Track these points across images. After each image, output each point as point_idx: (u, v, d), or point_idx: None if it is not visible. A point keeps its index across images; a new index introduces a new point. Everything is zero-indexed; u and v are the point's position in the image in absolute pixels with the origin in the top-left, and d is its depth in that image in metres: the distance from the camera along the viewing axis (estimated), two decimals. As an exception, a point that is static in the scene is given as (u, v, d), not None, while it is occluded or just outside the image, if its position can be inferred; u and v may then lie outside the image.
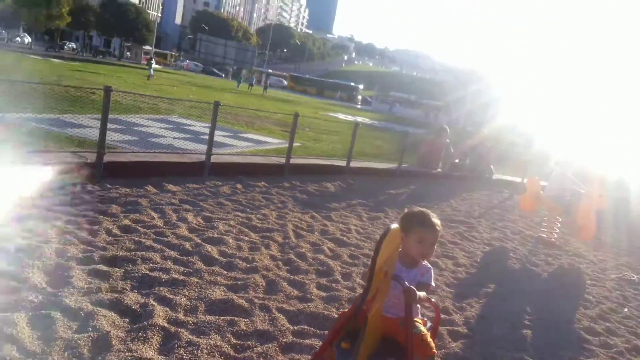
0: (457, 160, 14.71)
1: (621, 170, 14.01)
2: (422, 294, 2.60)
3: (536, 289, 6.10)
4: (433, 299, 3.24)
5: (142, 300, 3.69)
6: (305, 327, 3.84)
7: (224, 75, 76.43)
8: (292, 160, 9.38)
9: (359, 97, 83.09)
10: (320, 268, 5.11)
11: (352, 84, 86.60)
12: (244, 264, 4.78)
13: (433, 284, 2.81)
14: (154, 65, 37.46)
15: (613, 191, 10.45)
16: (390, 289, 2.62)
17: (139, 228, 5.10)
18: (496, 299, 5.41)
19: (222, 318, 3.69)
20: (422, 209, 2.78)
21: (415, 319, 2.76)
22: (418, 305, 2.89)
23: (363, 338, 2.40)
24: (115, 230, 4.93)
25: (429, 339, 2.66)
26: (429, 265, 2.83)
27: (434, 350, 2.65)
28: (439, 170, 13.89)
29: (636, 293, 6.91)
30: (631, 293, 6.86)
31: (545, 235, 8.87)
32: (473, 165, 14.76)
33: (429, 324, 3.05)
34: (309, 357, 3.32)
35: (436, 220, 2.70)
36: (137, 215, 5.47)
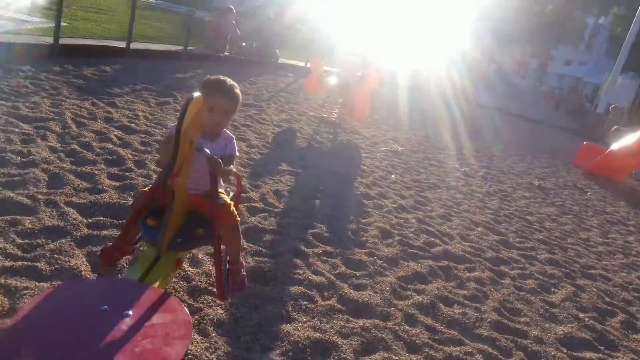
0: (244, 44, 14.58)
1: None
2: (229, 167, 2.60)
3: (321, 164, 6.68)
4: (237, 172, 3.33)
5: None
6: (101, 218, 3.65)
7: None
8: (62, 41, 8.22)
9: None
10: (110, 157, 4.80)
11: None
12: (19, 158, 4.23)
13: (237, 153, 2.83)
14: None
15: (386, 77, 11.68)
16: (194, 161, 2.56)
17: None
18: (287, 175, 5.80)
19: (1, 218, 3.29)
20: (220, 77, 2.69)
21: (220, 191, 2.80)
22: (223, 180, 2.94)
23: (170, 213, 2.37)
24: None
25: (233, 208, 2.75)
26: (231, 135, 2.82)
27: (237, 218, 2.76)
28: (227, 53, 13.64)
29: (400, 162, 8.06)
30: (396, 162, 7.98)
31: (326, 115, 9.60)
32: (260, 49, 14.81)
33: (231, 194, 3.14)
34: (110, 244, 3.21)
35: (233, 89, 2.64)
36: None
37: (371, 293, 3.67)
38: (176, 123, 2.17)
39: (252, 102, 9.26)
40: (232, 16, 13.55)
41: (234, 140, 2.82)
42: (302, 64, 16.08)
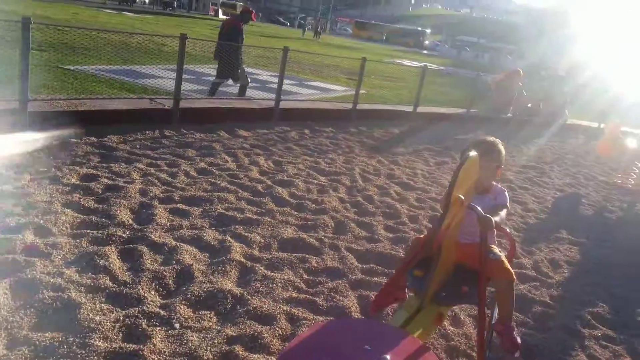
0: (529, 105, 14.08)
1: None
2: (499, 217, 2.54)
3: (610, 235, 5.91)
4: (508, 229, 3.25)
5: (220, 237, 3.93)
6: (374, 265, 3.97)
7: (288, 24, 75.72)
8: (359, 106, 9.35)
9: (426, 42, 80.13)
10: (387, 210, 5.19)
11: (419, 28, 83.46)
12: (313, 205, 4.94)
13: (509, 205, 2.79)
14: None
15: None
16: (465, 216, 2.61)
17: (214, 170, 5.35)
18: (567, 244, 5.31)
19: (294, 255, 3.88)
20: (485, 137, 2.76)
21: (492, 246, 2.77)
22: (494, 234, 2.91)
23: (437, 265, 2.45)
24: (193, 172, 5.21)
25: (508, 264, 2.69)
26: (502, 188, 2.81)
27: (513, 275, 2.67)
28: (510, 115, 13.37)
29: None
30: None
31: (620, 181, 8.48)
32: (546, 110, 14.07)
33: (504, 253, 3.06)
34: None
35: (495, 146, 2.72)
36: (212, 158, 5.73)
37: (664, 396, 3.05)
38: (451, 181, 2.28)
39: (533, 164, 8.83)
40: (518, 77, 13.31)
41: (506, 192, 2.80)
42: (594, 124, 14.62)
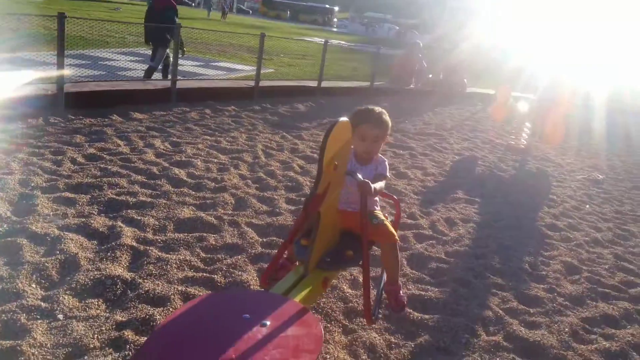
0: (430, 76, 14.60)
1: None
2: (378, 185, 2.61)
3: (502, 192, 6.27)
4: (396, 197, 3.33)
5: (110, 223, 3.73)
6: (274, 238, 3.95)
7: (193, 4, 73.22)
8: (262, 83, 9.23)
9: (335, 20, 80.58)
10: (290, 184, 5.18)
11: (327, 6, 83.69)
12: (213, 184, 4.83)
13: (388, 174, 2.84)
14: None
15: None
16: (345, 183, 2.64)
17: (105, 156, 5.07)
18: (463, 203, 5.57)
19: (191, 235, 3.77)
20: (370, 106, 2.76)
21: (376, 211, 2.83)
22: (377, 199, 2.96)
23: (317, 233, 2.46)
24: (80, 159, 4.91)
25: (391, 227, 2.74)
26: (383, 158, 2.85)
27: (396, 237, 2.74)
28: (412, 86, 13.79)
29: (599, 191, 7.16)
30: (595, 192, 7.11)
31: (513, 142, 9.03)
32: (446, 80, 14.66)
33: (390, 218, 3.14)
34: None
35: (381, 116, 2.70)
36: (103, 143, 5.42)
37: (545, 333, 3.29)
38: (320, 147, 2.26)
39: (434, 131, 9.17)
40: (418, 50, 13.72)
41: (386, 162, 2.84)
42: (492, 92, 15.44)
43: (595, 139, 11.25)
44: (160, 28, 8.46)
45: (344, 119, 2.39)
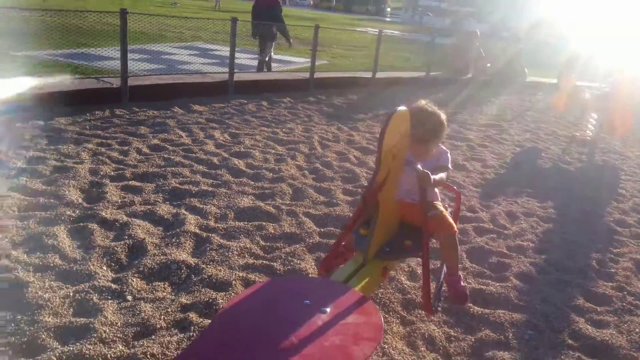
0: (488, 65, 14.18)
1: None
2: (438, 176, 2.56)
3: (567, 185, 6.04)
4: (455, 188, 3.27)
5: (174, 211, 3.86)
6: (332, 228, 3.97)
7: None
8: (317, 75, 9.25)
9: (388, 9, 79.60)
10: (346, 175, 5.18)
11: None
12: (271, 174, 4.90)
13: (450, 166, 2.79)
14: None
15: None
16: (404, 172, 2.61)
17: (168, 146, 5.24)
18: (525, 196, 5.41)
19: (251, 223, 3.85)
20: (422, 104, 2.69)
21: (435, 202, 2.79)
22: (437, 191, 2.92)
23: (376, 222, 2.45)
24: (145, 150, 5.09)
25: (449, 219, 2.70)
26: (445, 149, 2.80)
27: (455, 228, 2.70)
28: (470, 75, 13.45)
29: (674, 185, 6.76)
30: (669, 186, 6.72)
31: (579, 134, 8.66)
32: (506, 68, 14.20)
33: (450, 210, 3.08)
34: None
35: (431, 118, 2.62)
36: (166, 134, 5.60)
37: (614, 332, 3.15)
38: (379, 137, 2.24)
39: (493, 122, 8.92)
40: (475, 38, 13.36)
41: (448, 153, 2.78)
42: (554, 80, 14.84)
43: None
44: (268, 24, 9.59)
45: (402, 108, 2.35)
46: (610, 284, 3.78)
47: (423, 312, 3.04)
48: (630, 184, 6.56)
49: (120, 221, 3.59)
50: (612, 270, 3.99)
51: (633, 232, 4.86)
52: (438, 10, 72.85)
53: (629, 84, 8.19)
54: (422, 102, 2.71)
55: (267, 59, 10.04)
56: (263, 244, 3.61)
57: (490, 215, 4.73)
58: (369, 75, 10.47)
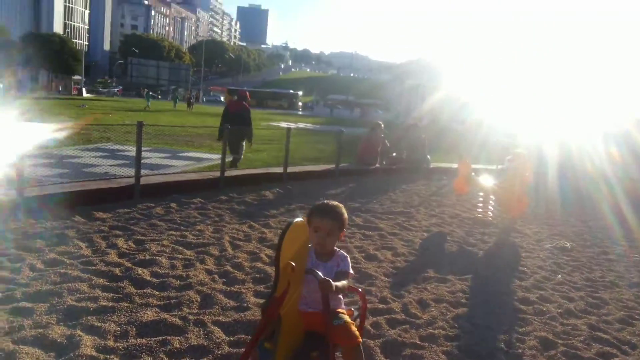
0: (394, 154, 14.99)
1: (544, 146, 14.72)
2: (340, 283, 2.60)
3: (472, 267, 6.28)
4: (361, 288, 3.29)
5: (69, 332, 3.56)
6: (242, 336, 3.81)
7: (159, 97, 74.84)
8: (227, 173, 9.30)
9: (300, 103, 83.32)
10: (258, 275, 5.09)
11: (291, 91, 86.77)
12: (178, 282, 4.71)
13: (351, 271, 2.83)
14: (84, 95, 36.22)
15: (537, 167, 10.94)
16: (305, 283, 2.63)
17: (65, 260, 4.93)
18: (434, 282, 5.55)
19: (154, 339, 3.62)
20: (325, 201, 2.81)
21: (339, 310, 2.79)
22: (340, 297, 2.93)
23: (279, 335, 2.40)
24: (40, 265, 4.75)
25: (353, 328, 2.69)
26: (345, 254, 2.86)
27: (359, 339, 2.68)
28: (377, 165, 14.10)
29: (568, 259, 7.24)
30: (564, 260, 7.18)
31: (481, 215, 9.18)
32: (410, 157, 15.06)
33: (356, 314, 3.09)
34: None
35: (333, 210, 2.73)
36: (64, 247, 5.28)
37: (526, 416, 3.18)
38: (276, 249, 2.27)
39: (402, 210, 9.27)
40: (380, 130, 14.18)
41: (348, 259, 2.85)
42: (455, 165, 15.89)
43: (556, 205, 11.54)
44: (241, 126, 11.07)
45: (298, 219, 2.43)
46: (519, 365, 3.87)
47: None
48: (530, 260, 6.95)
49: (6, 350, 3.25)
50: (520, 351, 4.11)
51: (536, 309, 5.08)
52: (346, 102, 77.31)
53: (525, 164, 8.90)
54: (325, 200, 2.84)
55: (240, 156, 11.42)
56: (167, 361, 3.38)
57: (402, 305, 4.78)
58: (280, 170, 10.67)
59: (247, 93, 13.23)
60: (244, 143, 11.57)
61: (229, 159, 10.10)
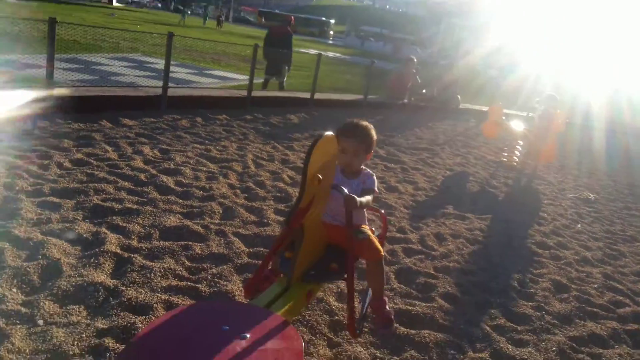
0: (424, 91, 14.66)
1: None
2: (364, 199, 2.58)
3: (493, 208, 6.26)
4: (382, 211, 3.29)
5: (94, 229, 3.67)
6: (261, 249, 3.89)
7: (189, 12, 73.30)
8: (255, 93, 9.20)
9: (331, 32, 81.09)
10: (279, 195, 5.13)
11: (323, 18, 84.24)
12: (201, 192, 4.77)
13: (376, 188, 2.81)
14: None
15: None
16: (331, 196, 2.61)
17: (92, 161, 5.01)
18: (453, 218, 5.55)
19: (176, 243, 3.71)
20: (354, 120, 2.75)
21: (362, 225, 2.80)
22: (364, 213, 2.93)
23: (300, 245, 2.42)
24: (67, 164, 4.84)
25: (377, 243, 2.72)
26: (370, 172, 2.83)
27: (382, 252, 2.71)
28: (406, 101, 13.84)
29: (590, 210, 7.17)
30: (585, 210, 7.11)
31: (506, 159, 9.05)
32: (440, 96, 14.73)
33: (376, 233, 3.10)
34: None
35: (360, 130, 2.67)
36: (90, 148, 5.36)
37: (533, 351, 3.25)
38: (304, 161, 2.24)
39: (426, 146, 9.17)
40: (412, 65, 13.79)
41: (374, 176, 2.81)
42: (485, 108, 15.53)
43: (590, 159, 11.30)
44: (283, 50, 11.03)
45: (329, 133, 2.38)
46: (530, 303, 3.92)
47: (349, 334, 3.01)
48: (552, 207, 6.90)
49: (35, 240, 3.36)
50: (532, 291, 4.15)
51: (553, 254, 5.09)
52: (379, 35, 74.97)
53: (556, 115, 8.65)
54: (354, 119, 2.76)
55: (284, 80, 11.55)
56: (189, 264, 3.48)
57: (419, 237, 4.81)
58: (307, 95, 10.53)
59: (292, 18, 13.13)
60: (286, 67, 11.56)
61: (258, 80, 10.00)
